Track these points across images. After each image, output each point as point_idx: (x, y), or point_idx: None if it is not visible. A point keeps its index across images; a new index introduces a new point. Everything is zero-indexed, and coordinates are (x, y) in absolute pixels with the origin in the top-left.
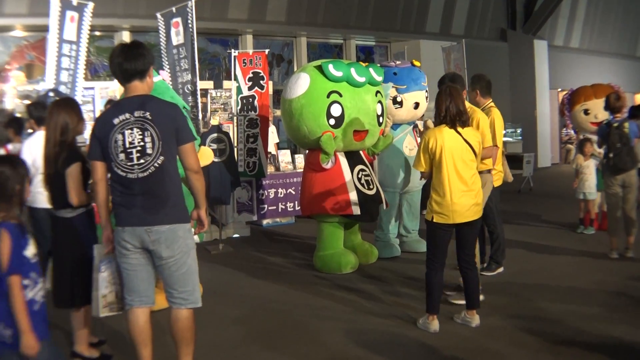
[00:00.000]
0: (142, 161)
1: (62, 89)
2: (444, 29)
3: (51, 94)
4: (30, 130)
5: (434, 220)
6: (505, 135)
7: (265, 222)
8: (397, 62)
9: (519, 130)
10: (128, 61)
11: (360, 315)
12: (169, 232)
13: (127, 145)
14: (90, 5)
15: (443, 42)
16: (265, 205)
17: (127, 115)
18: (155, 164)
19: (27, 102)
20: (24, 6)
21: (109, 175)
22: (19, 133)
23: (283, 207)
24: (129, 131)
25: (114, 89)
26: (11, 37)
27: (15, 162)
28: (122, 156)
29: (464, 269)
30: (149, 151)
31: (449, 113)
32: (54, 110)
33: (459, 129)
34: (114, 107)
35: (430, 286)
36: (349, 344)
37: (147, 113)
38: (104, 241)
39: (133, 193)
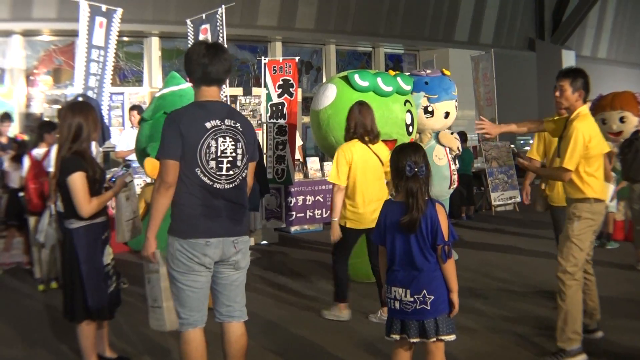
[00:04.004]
0: (230, 172)
1: (90, 94)
2: (472, 38)
3: (80, 99)
4: (58, 135)
5: (347, 226)
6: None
7: (293, 229)
8: (428, 71)
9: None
10: (214, 64)
11: None
12: (247, 243)
13: (219, 153)
14: (119, 11)
15: (471, 51)
16: (294, 213)
17: (218, 121)
18: (241, 177)
19: (56, 106)
20: (53, 11)
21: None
22: (43, 139)
23: (311, 214)
24: (222, 139)
25: (143, 94)
26: (39, 41)
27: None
28: (212, 164)
29: (375, 271)
30: (238, 163)
31: (357, 129)
32: (68, 115)
33: (370, 145)
34: (199, 109)
35: (339, 278)
36: (375, 354)
37: (238, 124)
38: (151, 256)
39: (217, 203)
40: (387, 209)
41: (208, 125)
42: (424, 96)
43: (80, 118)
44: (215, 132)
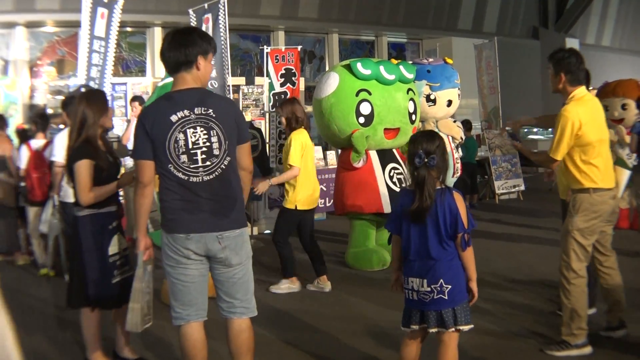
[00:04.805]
0: (208, 163)
1: (92, 84)
2: (476, 27)
3: (83, 89)
4: (62, 126)
5: (298, 208)
6: (536, 133)
7: None
8: (430, 60)
9: (550, 128)
10: (170, 50)
11: (392, 313)
12: (239, 237)
13: (191, 145)
14: (120, 2)
15: (475, 39)
16: None
17: (186, 112)
18: (223, 166)
19: (59, 97)
20: (56, 2)
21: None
22: (44, 129)
23: None
24: (192, 130)
25: (145, 84)
26: (43, 32)
27: (438, 135)
28: (184, 158)
29: (306, 248)
30: (215, 152)
31: (304, 119)
32: (77, 102)
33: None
34: (166, 101)
35: (286, 258)
36: (380, 342)
37: (210, 110)
38: (143, 249)
39: (197, 197)
40: (402, 198)
41: (174, 118)
42: (426, 84)
43: (84, 105)
44: (182, 124)
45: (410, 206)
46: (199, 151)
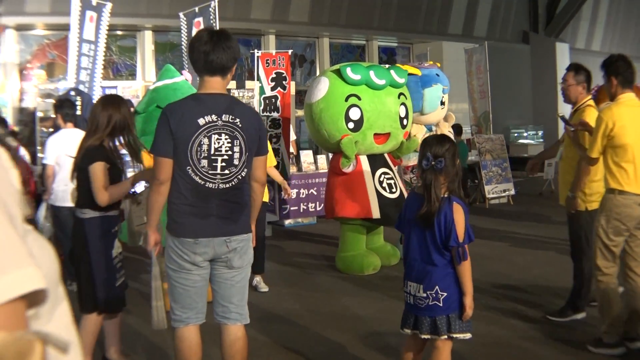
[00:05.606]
0: (226, 172)
1: (81, 88)
2: (466, 31)
3: (72, 92)
4: (51, 129)
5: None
6: (526, 138)
7: (287, 222)
8: (425, 64)
9: (540, 133)
10: (216, 52)
11: (382, 317)
12: (245, 242)
13: (213, 151)
14: (109, 5)
15: (465, 43)
16: (287, 206)
17: (214, 117)
18: (240, 176)
19: (49, 100)
20: (46, 5)
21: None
22: (7, 132)
23: (305, 207)
24: (217, 136)
25: (136, 88)
26: (33, 35)
27: (448, 139)
28: (204, 162)
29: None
30: (235, 162)
31: None
32: (108, 106)
33: None
34: (194, 102)
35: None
36: (370, 346)
37: (238, 120)
38: (153, 244)
39: (208, 203)
40: (409, 200)
41: (201, 121)
42: (442, 87)
43: (124, 109)
44: (208, 129)
45: (415, 209)
46: (219, 158)
